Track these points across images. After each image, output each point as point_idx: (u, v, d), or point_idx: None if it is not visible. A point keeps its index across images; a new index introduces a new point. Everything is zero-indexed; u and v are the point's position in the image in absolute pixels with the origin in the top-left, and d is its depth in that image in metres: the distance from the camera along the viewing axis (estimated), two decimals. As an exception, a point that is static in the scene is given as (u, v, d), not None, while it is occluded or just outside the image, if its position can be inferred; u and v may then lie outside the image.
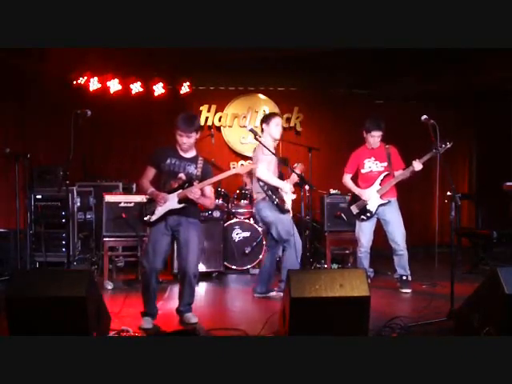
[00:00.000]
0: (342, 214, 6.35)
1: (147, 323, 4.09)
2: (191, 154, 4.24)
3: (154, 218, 4.11)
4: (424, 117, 4.45)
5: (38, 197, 6.56)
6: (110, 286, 5.65)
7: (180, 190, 4.09)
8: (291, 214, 5.14)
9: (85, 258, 6.67)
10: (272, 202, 4.97)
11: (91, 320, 3.22)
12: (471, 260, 6.58)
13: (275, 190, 5.02)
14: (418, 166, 5.19)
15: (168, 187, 4.13)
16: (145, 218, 4.15)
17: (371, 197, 5.43)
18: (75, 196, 6.66)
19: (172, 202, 4.09)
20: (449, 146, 4.91)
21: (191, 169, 4.16)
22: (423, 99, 8.26)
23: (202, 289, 5.73)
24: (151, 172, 4.22)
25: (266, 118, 5.15)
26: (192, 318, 4.20)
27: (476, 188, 8.93)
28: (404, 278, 5.41)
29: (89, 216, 6.94)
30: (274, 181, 5.04)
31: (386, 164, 5.46)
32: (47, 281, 3.24)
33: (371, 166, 5.50)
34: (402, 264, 5.41)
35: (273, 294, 5.13)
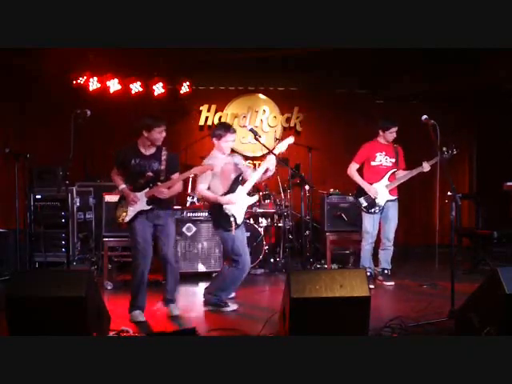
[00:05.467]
0: (343, 214, 6.34)
1: (140, 316, 4.20)
2: (152, 149, 4.34)
3: (127, 218, 4.26)
4: (424, 117, 4.45)
5: (38, 197, 6.55)
6: (109, 286, 5.64)
7: (147, 189, 4.24)
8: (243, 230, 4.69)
9: (84, 258, 6.67)
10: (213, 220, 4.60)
11: (91, 320, 3.22)
12: (471, 260, 6.57)
13: (216, 207, 4.55)
14: (427, 167, 5.46)
15: (137, 186, 4.29)
16: (119, 220, 4.30)
17: (380, 191, 5.58)
18: (75, 196, 6.66)
19: (141, 202, 4.25)
20: (455, 152, 5.19)
21: (156, 165, 4.30)
22: (423, 99, 8.26)
23: (202, 289, 5.72)
24: (119, 171, 4.42)
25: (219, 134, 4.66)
26: (174, 310, 4.34)
27: (476, 188, 8.92)
28: (386, 271, 5.73)
29: (88, 216, 6.93)
30: (219, 199, 4.52)
31: (394, 160, 5.66)
32: (47, 281, 3.24)
33: (382, 160, 5.66)
34: (386, 258, 5.73)
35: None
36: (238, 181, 4.66)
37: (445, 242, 7.18)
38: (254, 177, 4.67)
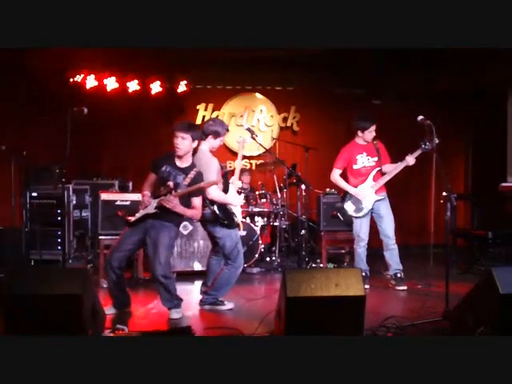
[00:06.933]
0: (338, 214, 6.35)
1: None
2: (186, 163, 4.32)
3: (133, 219, 4.26)
4: (420, 117, 4.45)
5: (34, 195, 6.54)
6: (105, 284, 5.61)
7: (161, 198, 4.19)
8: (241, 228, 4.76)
9: (80, 256, 6.66)
10: (217, 219, 4.49)
11: (87, 318, 3.21)
12: (466, 260, 6.59)
13: (222, 205, 4.54)
14: (411, 160, 5.26)
15: (157, 193, 4.25)
16: (127, 218, 4.31)
17: (366, 193, 5.46)
18: (71, 194, 6.65)
19: (150, 207, 4.21)
20: (437, 142, 4.92)
21: (180, 179, 4.24)
22: (422, 99, 8.27)
23: (197, 287, 5.71)
24: (152, 177, 4.37)
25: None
26: (173, 313, 4.26)
27: (472, 188, 8.94)
28: (398, 275, 5.46)
29: (84, 214, 6.93)
30: (228, 199, 4.57)
31: (376, 159, 5.50)
32: (43, 278, 3.22)
33: (364, 161, 5.51)
34: (394, 259, 5.48)
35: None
36: (228, 180, 4.68)
37: (440, 242, 7.20)
38: (236, 175, 4.77)
